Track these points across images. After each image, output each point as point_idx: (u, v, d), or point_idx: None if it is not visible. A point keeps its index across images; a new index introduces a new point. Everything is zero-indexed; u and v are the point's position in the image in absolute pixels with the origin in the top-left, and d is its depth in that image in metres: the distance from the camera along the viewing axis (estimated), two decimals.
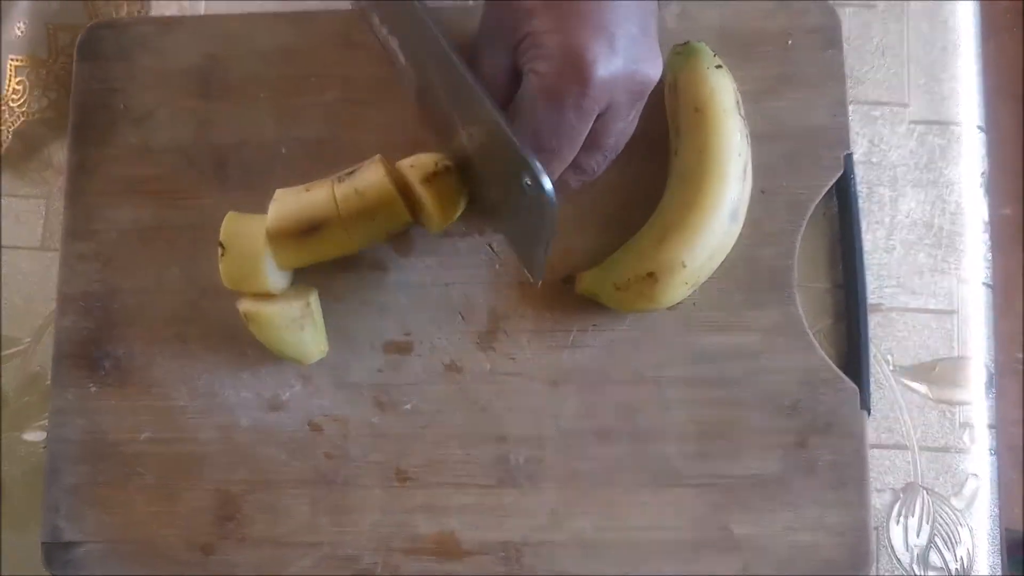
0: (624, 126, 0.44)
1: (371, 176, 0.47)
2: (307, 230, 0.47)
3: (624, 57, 0.40)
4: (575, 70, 0.39)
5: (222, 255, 0.47)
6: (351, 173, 0.48)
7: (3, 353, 0.55)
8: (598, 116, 0.41)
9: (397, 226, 0.49)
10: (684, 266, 0.47)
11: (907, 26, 0.56)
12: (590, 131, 0.42)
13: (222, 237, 0.47)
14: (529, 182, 0.39)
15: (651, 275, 0.47)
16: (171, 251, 0.50)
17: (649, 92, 0.42)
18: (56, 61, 0.57)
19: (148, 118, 0.54)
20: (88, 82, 0.55)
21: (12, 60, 0.56)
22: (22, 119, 0.56)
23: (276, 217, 0.47)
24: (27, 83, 0.56)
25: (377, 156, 0.48)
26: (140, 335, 0.52)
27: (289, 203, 0.47)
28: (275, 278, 0.48)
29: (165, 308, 0.52)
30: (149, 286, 0.52)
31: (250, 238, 0.47)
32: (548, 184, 0.38)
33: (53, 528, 0.51)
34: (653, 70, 0.41)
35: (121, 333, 0.52)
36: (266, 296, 0.49)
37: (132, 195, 0.53)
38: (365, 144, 0.53)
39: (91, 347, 0.52)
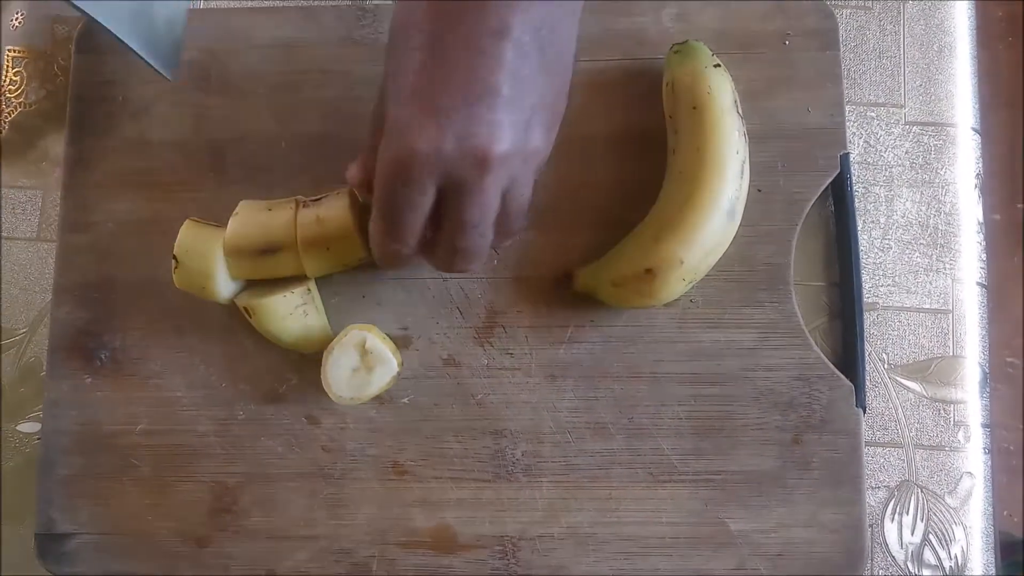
0: (482, 200, 0.40)
1: (334, 207, 0.48)
2: (263, 250, 0.47)
3: (452, 131, 0.37)
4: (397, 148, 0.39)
5: (175, 267, 0.48)
6: (317, 200, 0.48)
7: None
8: (452, 193, 0.40)
9: (353, 261, 0.49)
10: (682, 263, 0.47)
11: (903, 28, 0.56)
12: (450, 208, 0.40)
13: (176, 251, 0.48)
14: None
15: (649, 271, 0.47)
16: (167, 243, 0.50)
17: (501, 165, 0.38)
18: (54, 52, 0.57)
19: (146, 111, 0.54)
20: (86, 74, 0.55)
21: (9, 51, 0.56)
22: (19, 110, 0.56)
23: (234, 233, 0.47)
24: (24, 74, 0.56)
25: (347, 188, 0.49)
26: (136, 326, 0.52)
27: (249, 220, 0.48)
28: (226, 288, 0.49)
29: (162, 300, 0.52)
30: (146, 278, 0.52)
31: (202, 257, 0.48)
32: None
33: (47, 520, 0.51)
34: (490, 142, 0.38)
35: (117, 324, 0.52)
36: (263, 286, 0.49)
37: (129, 188, 0.53)
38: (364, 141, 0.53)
39: (87, 338, 0.52)
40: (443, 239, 0.42)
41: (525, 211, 0.43)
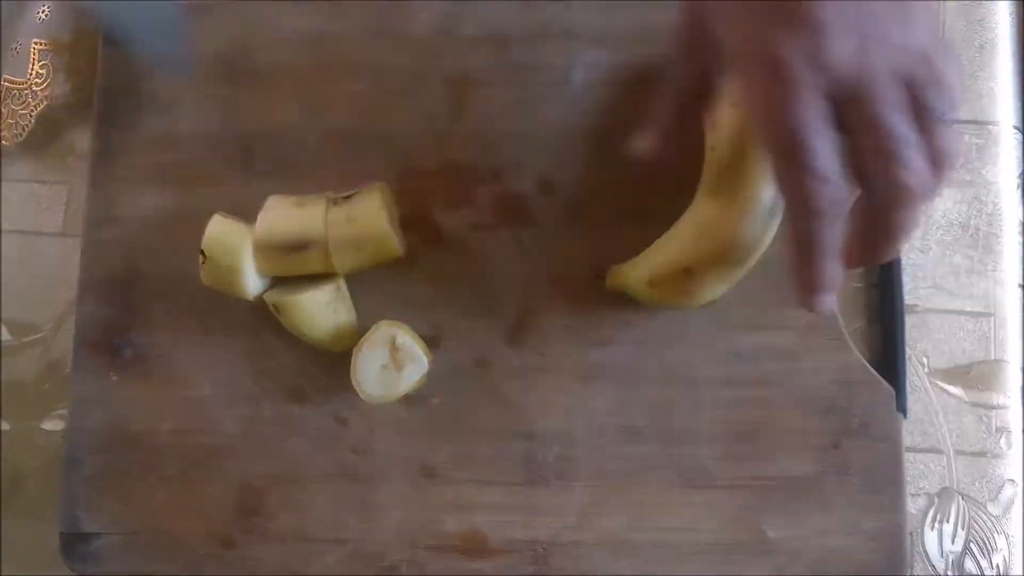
0: (885, 95, 0.32)
1: (366, 206, 0.47)
2: (292, 247, 0.46)
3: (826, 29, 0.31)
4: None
5: (203, 263, 0.47)
6: (348, 197, 0.47)
7: (22, 340, 0.54)
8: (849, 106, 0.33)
9: (384, 259, 0.48)
10: (721, 263, 0.46)
11: (943, 25, 0.55)
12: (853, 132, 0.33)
13: (204, 245, 0.47)
14: None
15: (687, 271, 0.46)
16: (195, 238, 0.49)
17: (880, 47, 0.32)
18: (80, 45, 0.56)
19: (173, 105, 0.53)
20: (113, 68, 0.54)
21: (36, 44, 0.55)
22: (45, 103, 0.55)
23: (264, 228, 0.47)
24: (51, 67, 0.55)
25: (378, 185, 0.48)
26: (163, 323, 0.51)
27: (279, 216, 0.47)
28: (254, 284, 0.48)
29: (188, 296, 0.51)
30: (172, 274, 0.51)
31: (230, 252, 0.47)
32: None
33: (71, 519, 0.50)
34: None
35: (143, 321, 0.51)
36: (291, 283, 0.48)
37: (156, 182, 0.52)
38: (394, 135, 0.52)
39: (113, 335, 0.51)
40: (868, 156, 0.33)
41: (953, 94, 0.34)
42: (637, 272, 0.48)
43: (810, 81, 0.32)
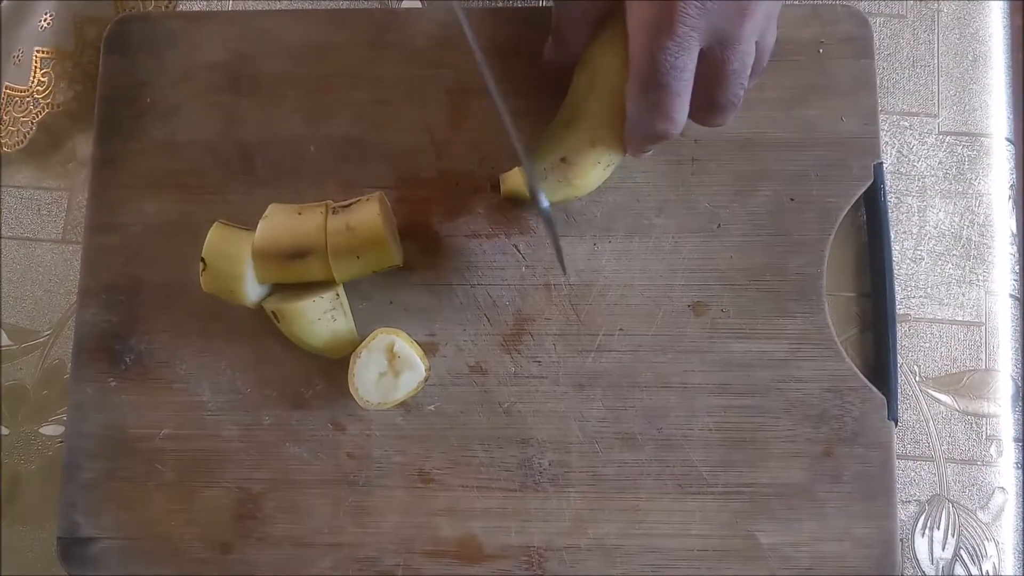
0: (743, 48, 0.41)
1: (364, 215, 0.47)
2: (292, 255, 0.47)
3: None
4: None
5: (203, 270, 0.47)
6: (347, 206, 0.48)
7: (22, 346, 0.55)
8: (715, 45, 0.40)
9: (382, 267, 0.49)
10: (594, 146, 0.46)
11: (937, 37, 0.56)
12: (711, 62, 0.41)
13: (204, 252, 0.47)
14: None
15: (564, 160, 0.46)
16: (195, 245, 0.49)
17: (759, 8, 0.40)
18: (82, 54, 0.57)
19: (175, 113, 0.54)
20: (115, 76, 0.54)
21: (38, 52, 0.56)
22: (47, 111, 0.56)
23: (264, 236, 0.47)
24: (52, 75, 0.56)
25: (377, 194, 0.48)
26: (162, 329, 0.52)
27: (279, 224, 0.48)
28: (254, 292, 0.48)
29: (188, 303, 0.52)
30: (173, 280, 0.52)
31: (230, 260, 0.47)
32: (544, 203, 0.45)
33: (70, 524, 0.50)
34: None
35: (143, 327, 0.52)
36: (290, 290, 0.49)
37: (157, 189, 0.53)
38: (393, 145, 0.52)
39: (112, 341, 0.52)
40: (700, 96, 0.42)
41: (770, 50, 0.44)
42: (522, 172, 0.48)
43: (695, 23, 0.39)
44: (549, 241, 0.51)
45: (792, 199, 0.51)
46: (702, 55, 0.41)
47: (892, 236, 0.52)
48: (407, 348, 0.47)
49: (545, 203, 0.45)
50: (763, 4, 0.40)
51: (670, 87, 0.40)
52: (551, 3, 0.55)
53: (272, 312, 0.48)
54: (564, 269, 0.50)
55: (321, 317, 0.48)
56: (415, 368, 0.47)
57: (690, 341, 0.50)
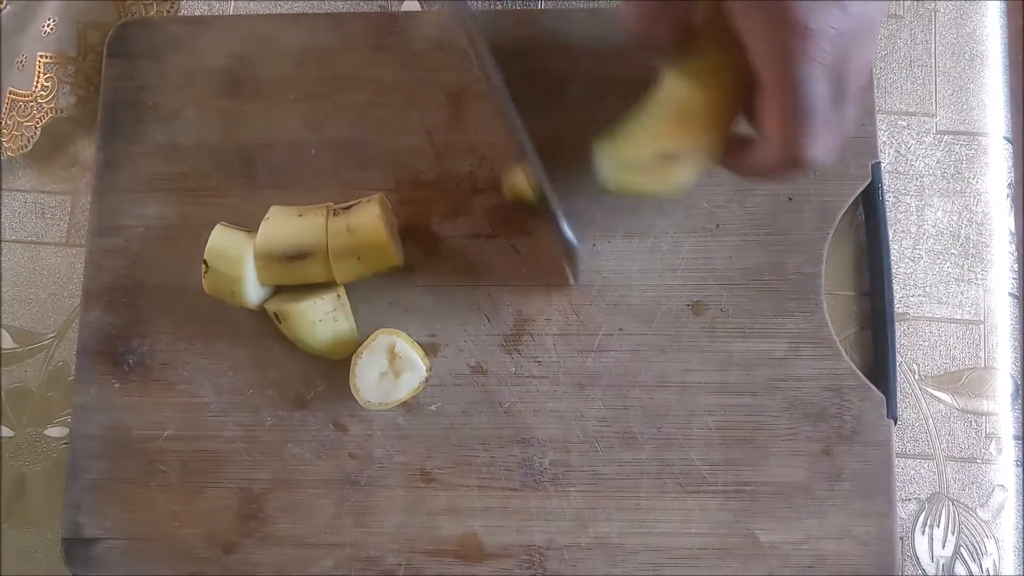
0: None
1: (365, 216, 0.48)
2: (293, 256, 0.47)
3: None
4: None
5: (205, 272, 0.48)
6: (348, 208, 0.48)
7: (26, 348, 0.55)
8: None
9: (383, 269, 0.49)
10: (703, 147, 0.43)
11: (935, 36, 0.56)
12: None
13: (206, 255, 0.48)
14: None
15: (669, 156, 0.43)
16: (197, 248, 0.50)
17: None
18: (85, 58, 0.57)
19: (176, 116, 0.54)
20: (117, 80, 0.55)
21: (41, 57, 0.56)
22: (50, 115, 0.56)
23: (265, 238, 0.48)
24: (56, 80, 0.56)
25: (377, 195, 0.49)
26: (165, 331, 0.52)
27: (280, 225, 0.48)
28: (255, 293, 0.49)
29: (191, 305, 0.52)
30: (175, 283, 0.52)
31: (232, 261, 0.48)
32: (571, 238, 0.44)
33: (74, 524, 0.51)
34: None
35: (146, 329, 0.52)
36: (292, 292, 0.49)
37: (159, 192, 0.53)
38: (393, 146, 0.53)
39: (116, 343, 0.52)
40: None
41: (864, 74, 0.40)
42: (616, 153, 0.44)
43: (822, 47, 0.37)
44: (560, 250, 0.48)
45: (790, 198, 0.51)
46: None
47: (891, 235, 0.53)
48: (408, 348, 0.48)
49: (560, 216, 0.43)
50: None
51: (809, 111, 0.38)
52: (548, 5, 0.56)
53: (274, 313, 0.48)
54: (575, 278, 0.49)
55: (322, 318, 0.48)
56: (416, 368, 0.48)
57: (689, 340, 0.51)
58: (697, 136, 0.43)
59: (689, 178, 0.45)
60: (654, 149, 0.44)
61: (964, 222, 0.54)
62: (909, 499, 0.51)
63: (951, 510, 0.51)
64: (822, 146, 0.39)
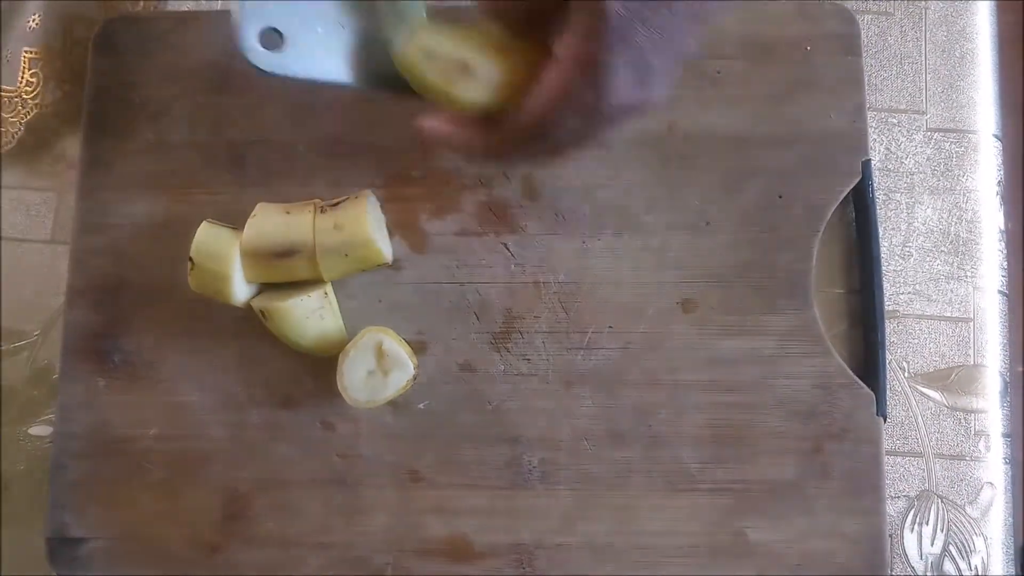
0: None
1: (352, 213, 0.47)
2: (280, 253, 0.47)
3: None
4: None
5: (191, 269, 0.47)
6: (335, 205, 0.48)
7: (10, 346, 0.55)
8: None
9: (369, 266, 0.49)
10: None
11: (925, 34, 0.56)
12: None
13: (192, 253, 0.47)
14: None
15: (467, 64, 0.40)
16: (184, 245, 0.49)
17: None
18: (71, 54, 0.57)
19: (164, 113, 0.54)
20: (103, 76, 0.54)
21: (26, 52, 0.56)
22: (35, 111, 0.56)
23: (252, 235, 0.47)
24: (41, 76, 0.56)
25: (365, 192, 0.48)
26: (151, 329, 0.52)
27: (267, 222, 0.48)
28: (242, 291, 0.48)
29: (177, 303, 0.52)
30: (161, 280, 0.52)
31: (218, 259, 0.47)
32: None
33: (58, 524, 0.50)
34: None
35: (131, 328, 0.52)
36: (279, 289, 0.49)
37: (146, 189, 0.53)
38: (381, 144, 0.52)
39: (100, 341, 0.52)
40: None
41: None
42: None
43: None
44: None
45: (780, 196, 0.51)
46: None
47: (880, 232, 0.52)
48: (396, 346, 0.47)
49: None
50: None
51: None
52: None
53: (260, 311, 0.48)
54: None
55: (309, 316, 0.48)
56: (404, 367, 0.47)
57: (679, 338, 0.50)
58: (496, 62, 0.41)
59: (474, 97, 0.41)
60: (450, 51, 0.41)
61: (954, 220, 0.54)
62: (898, 496, 0.51)
63: (940, 507, 0.51)
64: (622, 80, 0.36)
